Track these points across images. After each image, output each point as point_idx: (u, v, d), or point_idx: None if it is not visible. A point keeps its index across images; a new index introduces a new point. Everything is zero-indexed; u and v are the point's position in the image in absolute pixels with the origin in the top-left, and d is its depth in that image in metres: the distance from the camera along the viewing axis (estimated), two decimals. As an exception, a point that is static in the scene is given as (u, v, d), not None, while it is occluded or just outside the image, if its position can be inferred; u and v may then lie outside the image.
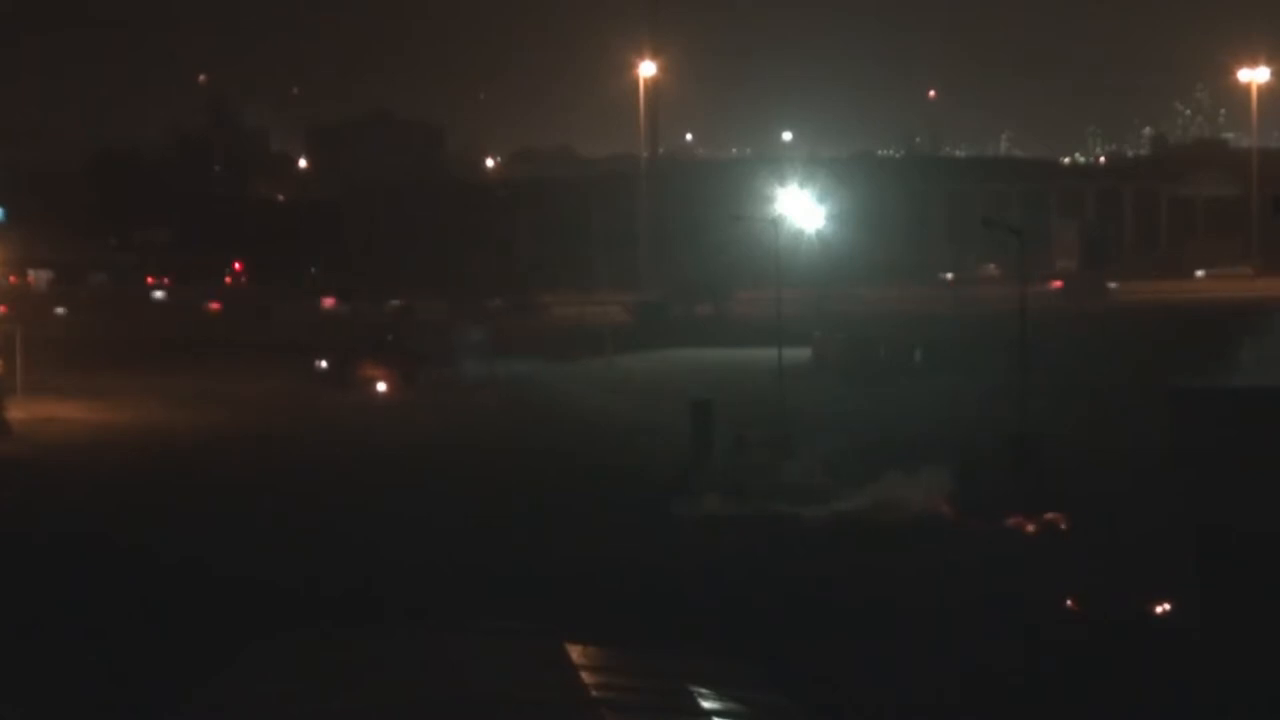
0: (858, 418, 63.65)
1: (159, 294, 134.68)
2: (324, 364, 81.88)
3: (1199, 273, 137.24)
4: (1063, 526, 43.32)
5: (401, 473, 55.44)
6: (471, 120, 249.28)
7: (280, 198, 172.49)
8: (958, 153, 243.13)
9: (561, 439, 62.31)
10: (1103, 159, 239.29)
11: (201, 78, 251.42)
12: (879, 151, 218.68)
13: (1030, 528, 43.53)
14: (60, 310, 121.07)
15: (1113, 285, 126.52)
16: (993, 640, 32.37)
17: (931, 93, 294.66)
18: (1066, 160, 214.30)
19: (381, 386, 78.63)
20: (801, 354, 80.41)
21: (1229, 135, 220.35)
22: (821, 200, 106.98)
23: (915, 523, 44.30)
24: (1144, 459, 51.55)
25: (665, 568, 39.84)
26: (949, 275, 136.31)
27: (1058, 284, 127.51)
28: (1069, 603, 34.67)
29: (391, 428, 66.36)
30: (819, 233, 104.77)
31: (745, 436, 57.07)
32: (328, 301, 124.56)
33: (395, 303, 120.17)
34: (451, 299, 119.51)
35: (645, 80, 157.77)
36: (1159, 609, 33.90)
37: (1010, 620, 33.80)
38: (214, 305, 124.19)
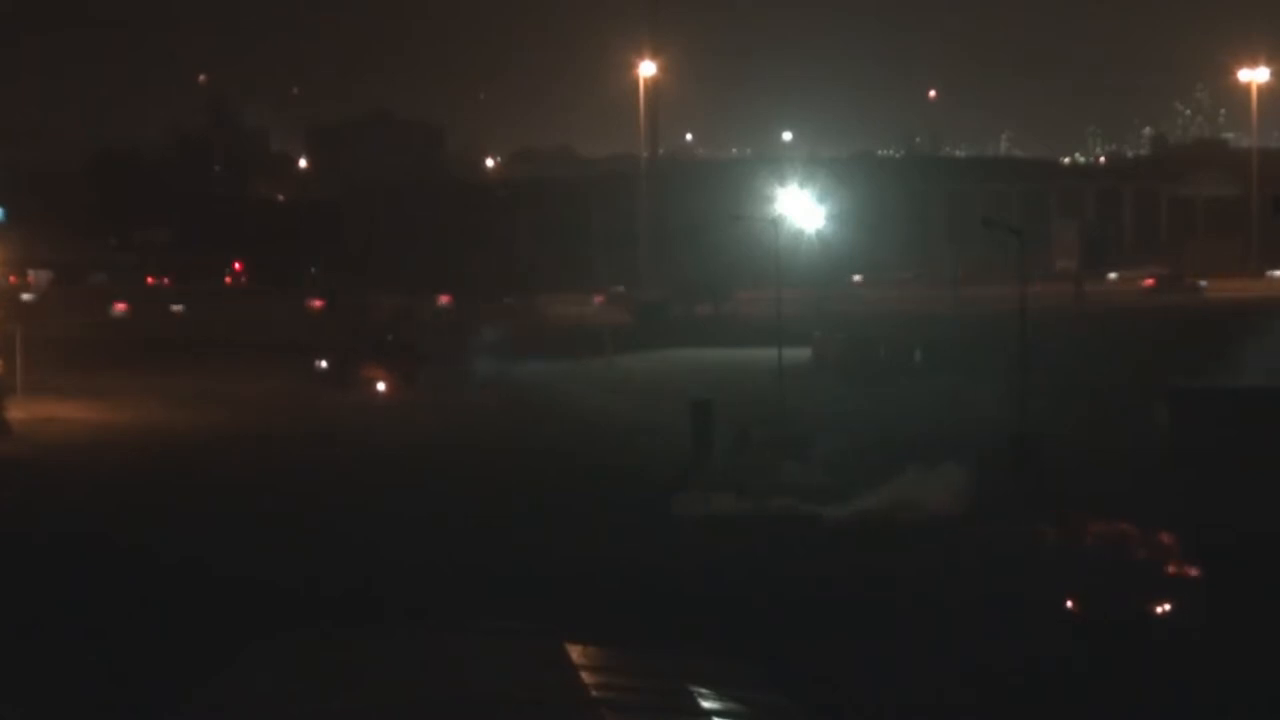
0: (858, 417, 63.65)
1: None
2: (324, 364, 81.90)
3: (1111, 275, 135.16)
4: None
5: (401, 473, 55.44)
6: (471, 120, 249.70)
7: (280, 198, 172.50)
8: (958, 153, 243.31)
9: (561, 439, 62.30)
10: (1103, 159, 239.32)
11: (201, 78, 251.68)
12: (879, 151, 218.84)
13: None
14: (178, 308, 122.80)
15: (1203, 283, 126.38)
16: (993, 640, 32.38)
17: (931, 93, 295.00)
18: (1066, 160, 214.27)
19: (381, 386, 78.65)
20: (801, 354, 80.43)
21: (1229, 135, 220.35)
22: (821, 200, 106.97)
23: (934, 522, 44.09)
24: (1144, 459, 51.69)
25: (665, 568, 39.83)
26: (857, 277, 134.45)
27: (1150, 282, 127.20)
28: (1069, 603, 34.67)
29: (391, 428, 66.36)
30: (819, 233, 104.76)
31: (748, 431, 57.03)
32: (444, 298, 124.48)
33: (508, 301, 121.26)
34: (454, 298, 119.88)
35: (645, 80, 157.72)
36: (1159, 609, 33.91)
37: (1010, 620, 33.81)
38: (317, 303, 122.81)
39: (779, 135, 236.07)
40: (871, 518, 44.96)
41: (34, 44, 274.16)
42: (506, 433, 64.80)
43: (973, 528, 43.31)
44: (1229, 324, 79.89)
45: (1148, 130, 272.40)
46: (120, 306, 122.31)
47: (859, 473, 49.85)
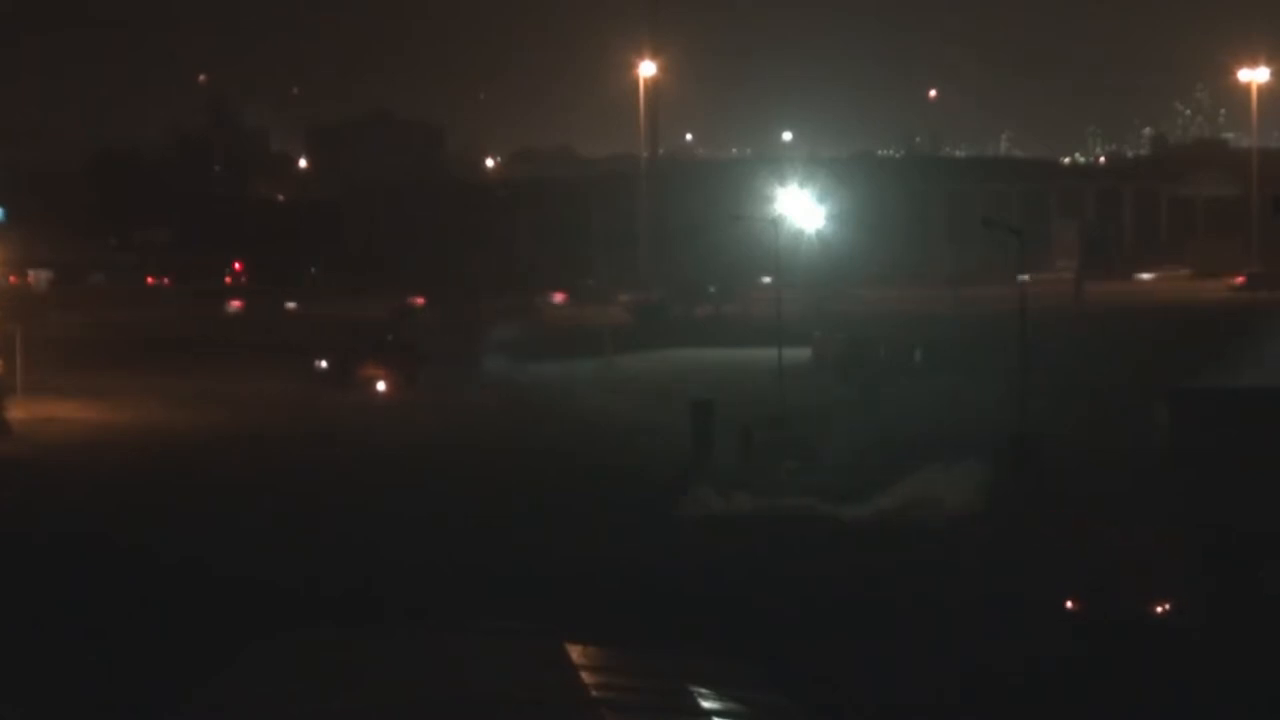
0: (858, 417, 63.59)
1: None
2: (324, 364, 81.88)
3: (1023, 277, 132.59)
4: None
5: (401, 473, 55.44)
6: (471, 120, 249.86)
7: (280, 198, 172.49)
8: (958, 153, 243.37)
9: (561, 439, 62.31)
10: (1103, 159, 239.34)
11: (201, 78, 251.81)
12: (879, 151, 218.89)
13: None
14: (291, 304, 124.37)
15: None
16: (993, 640, 32.39)
17: (932, 93, 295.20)
18: (1066, 160, 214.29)
19: (381, 386, 78.65)
20: (802, 354, 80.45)
21: (1229, 135, 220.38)
22: (821, 200, 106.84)
23: (954, 521, 43.95)
24: (1144, 459, 51.68)
25: (665, 568, 39.83)
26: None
27: (1240, 279, 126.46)
28: (1069, 603, 34.67)
29: (391, 428, 66.37)
30: (819, 233, 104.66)
31: (750, 431, 56.97)
32: (558, 297, 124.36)
33: (626, 298, 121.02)
34: (453, 298, 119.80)
35: (645, 80, 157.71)
36: (1159, 609, 33.90)
37: (1010, 620, 33.82)
38: (418, 300, 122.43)
39: (779, 135, 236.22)
40: (891, 516, 44.88)
41: (34, 44, 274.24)
42: (506, 433, 64.80)
43: (979, 527, 43.32)
44: (1229, 324, 79.91)
45: (1148, 130, 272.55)
46: (236, 304, 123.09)
47: (860, 472, 49.89)
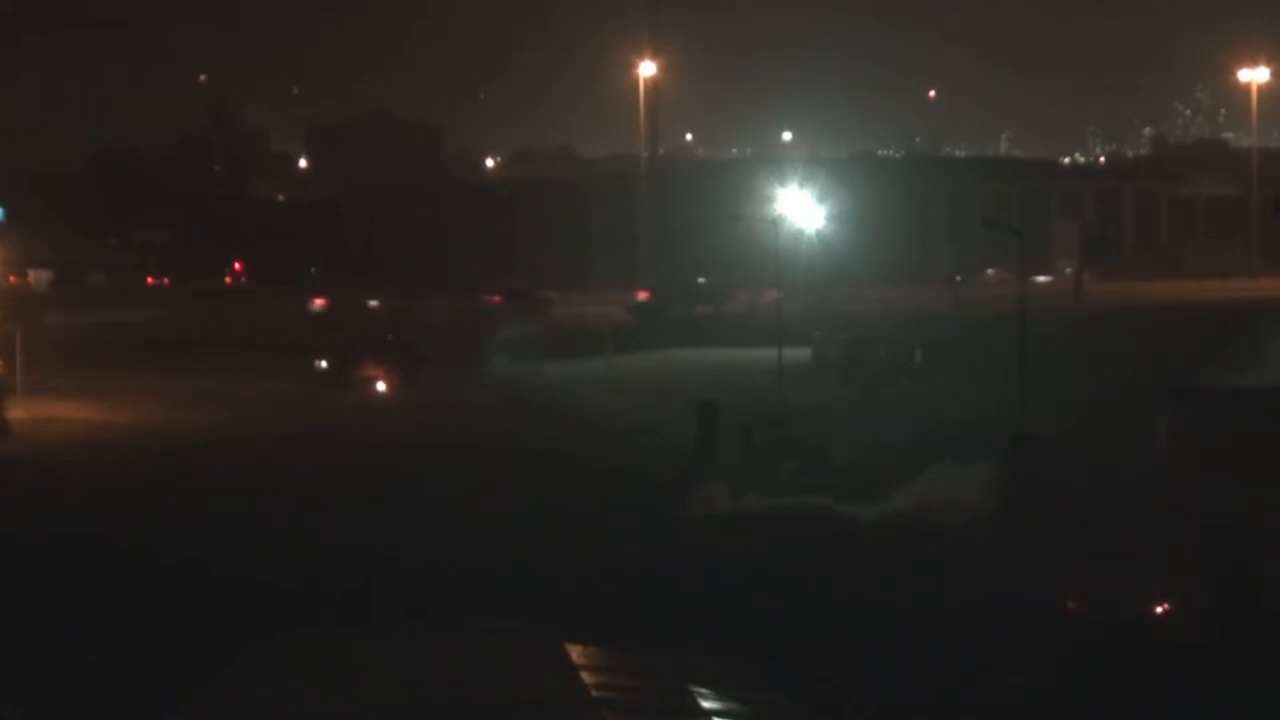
0: (858, 417, 63.56)
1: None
2: (324, 364, 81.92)
3: (958, 278, 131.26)
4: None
5: (401, 473, 55.45)
6: (471, 120, 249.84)
7: (280, 198, 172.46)
8: (958, 153, 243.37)
9: (561, 439, 62.32)
10: (1103, 159, 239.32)
11: (201, 78, 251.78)
12: (879, 151, 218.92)
13: None
14: (373, 303, 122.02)
15: None
16: (993, 640, 32.38)
17: (931, 93, 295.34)
18: (1066, 160, 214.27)
19: (381, 386, 78.67)
20: (802, 354, 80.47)
21: (1229, 135, 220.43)
22: (821, 200, 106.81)
23: (965, 521, 43.87)
24: (1144, 459, 51.63)
25: (665, 568, 39.82)
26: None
27: None
28: (1069, 603, 34.66)
29: (391, 428, 66.38)
30: (819, 233, 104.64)
31: (750, 431, 56.95)
32: (642, 294, 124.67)
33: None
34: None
35: (645, 80, 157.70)
36: (1159, 609, 33.89)
37: (1010, 620, 33.81)
38: (496, 299, 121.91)
39: (779, 135, 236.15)
40: (905, 517, 44.81)
41: (34, 44, 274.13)
42: (506, 433, 64.82)
43: (979, 528, 43.29)
44: (1230, 323, 79.84)
45: (1148, 130, 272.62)
46: (320, 302, 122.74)
47: (861, 472, 49.88)
